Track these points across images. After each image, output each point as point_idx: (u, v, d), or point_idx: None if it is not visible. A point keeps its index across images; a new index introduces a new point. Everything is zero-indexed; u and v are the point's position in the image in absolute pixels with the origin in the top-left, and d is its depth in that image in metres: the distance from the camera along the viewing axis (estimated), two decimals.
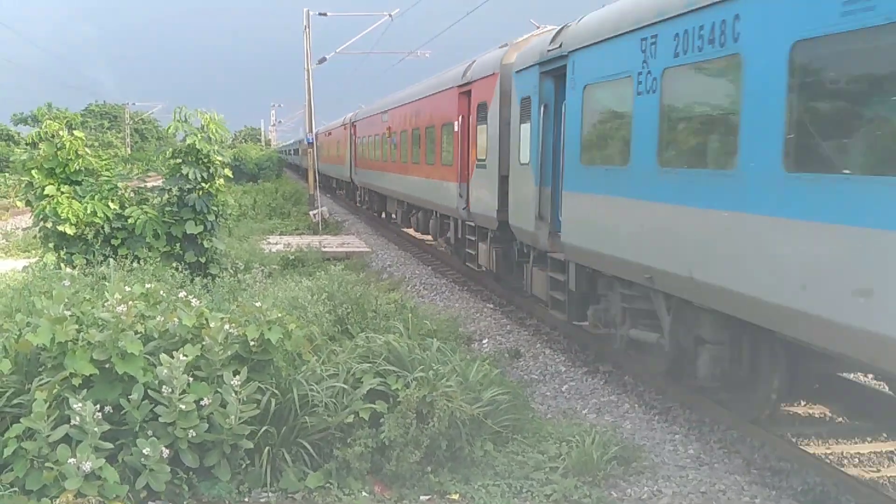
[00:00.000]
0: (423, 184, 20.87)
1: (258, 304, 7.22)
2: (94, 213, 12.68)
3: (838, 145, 6.15)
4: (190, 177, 13.17)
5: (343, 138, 39.69)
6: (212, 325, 6.73)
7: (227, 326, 6.76)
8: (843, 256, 5.97)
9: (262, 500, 6.48)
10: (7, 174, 44.28)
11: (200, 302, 7.60)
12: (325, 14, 34.85)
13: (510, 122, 13.74)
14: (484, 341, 12.75)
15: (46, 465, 5.89)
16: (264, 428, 6.65)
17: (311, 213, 30.42)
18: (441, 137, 18.59)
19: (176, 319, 6.99)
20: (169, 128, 14.32)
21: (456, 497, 6.61)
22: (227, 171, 14.25)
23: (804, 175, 6.25)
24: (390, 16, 34.45)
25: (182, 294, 7.85)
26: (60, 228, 12.60)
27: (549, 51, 11.56)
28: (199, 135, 13.43)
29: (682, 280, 8.03)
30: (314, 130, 36.40)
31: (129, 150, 78.34)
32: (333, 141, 45.25)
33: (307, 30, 34.51)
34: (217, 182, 13.71)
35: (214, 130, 13.55)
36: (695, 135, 8.19)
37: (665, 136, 8.38)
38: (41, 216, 12.87)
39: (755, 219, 6.86)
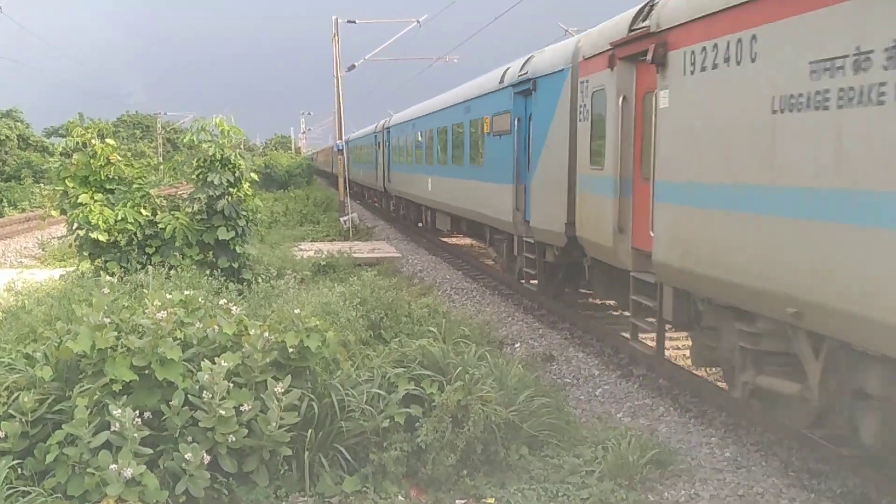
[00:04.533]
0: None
1: (297, 312, 7.28)
2: (125, 220, 12.82)
3: None
4: (216, 182, 13.28)
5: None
6: (251, 332, 6.80)
7: (265, 334, 6.82)
8: None
9: None
10: (42, 184, 44.88)
11: (239, 309, 7.66)
12: (353, 22, 35.03)
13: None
14: (516, 345, 12.73)
15: (88, 470, 5.97)
16: (302, 433, 6.70)
17: (341, 219, 30.54)
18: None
19: (216, 326, 7.06)
20: (184, 138, 14.38)
21: (492, 501, 6.62)
22: (254, 175, 14.34)
23: None
24: (418, 22, 34.59)
25: (222, 301, 7.92)
26: (93, 236, 12.75)
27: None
28: (220, 141, 13.52)
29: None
30: (343, 138, 36.54)
31: (160, 159, 79.19)
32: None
33: (336, 37, 34.70)
34: (244, 186, 13.81)
35: (227, 134, 13.64)
36: None
37: None
38: (74, 224, 13.05)
39: None
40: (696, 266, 8.26)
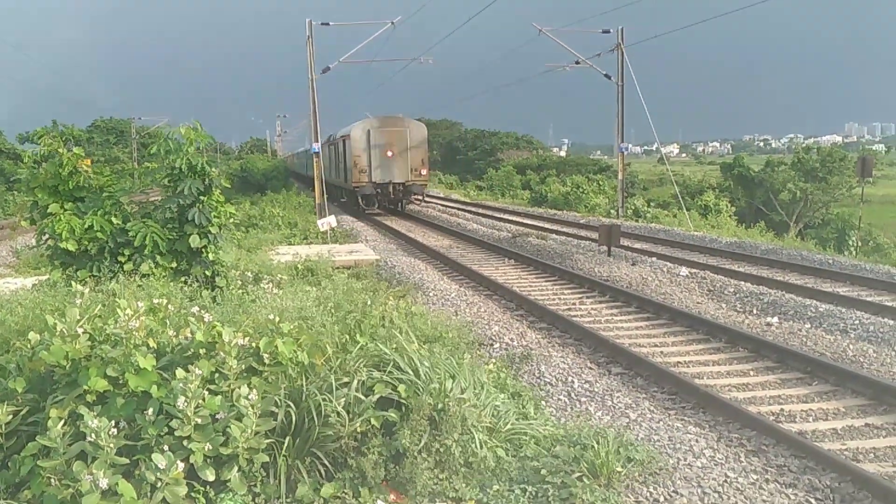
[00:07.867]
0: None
1: (271, 317, 7.23)
2: (93, 228, 12.65)
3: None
4: (186, 192, 13.08)
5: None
6: (225, 339, 6.74)
7: (238, 340, 6.77)
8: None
9: None
10: (15, 193, 44.50)
11: (211, 315, 7.60)
12: (327, 24, 35.00)
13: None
14: (495, 345, 12.72)
15: (63, 482, 5.90)
16: (280, 440, 6.66)
17: (319, 222, 30.46)
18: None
19: (189, 334, 7.00)
20: (150, 149, 13.97)
21: (472, 503, 6.60)
22: (225, 182, 14.07)
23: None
24: (392, 24, 34.60)
25: (194, 309, 7.85)
26: (62, 245, 12.57)
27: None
28: (186, 149, 13.23)
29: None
30: (321, 140, 36.48)
31: (135, 164, 78.45)
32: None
33: (310, 40, 34.64)
34: (215, 194, 13.59)
35: (192, 142, 13.29)
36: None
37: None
38: (43, 234, 12.88)
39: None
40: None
